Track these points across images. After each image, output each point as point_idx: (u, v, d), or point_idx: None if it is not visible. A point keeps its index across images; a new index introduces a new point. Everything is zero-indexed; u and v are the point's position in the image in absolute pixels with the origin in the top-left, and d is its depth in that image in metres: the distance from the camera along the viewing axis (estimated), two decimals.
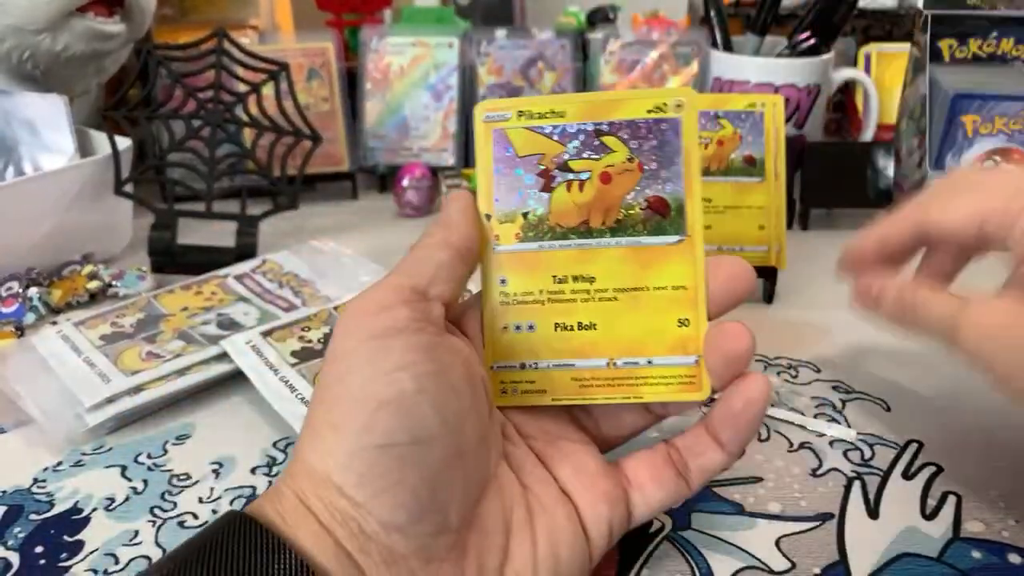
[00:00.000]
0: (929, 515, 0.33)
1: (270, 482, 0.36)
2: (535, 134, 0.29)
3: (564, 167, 0.29)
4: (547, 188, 0.29)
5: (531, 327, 0.29)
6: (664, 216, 0.28)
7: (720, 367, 0.28)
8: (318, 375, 0.25)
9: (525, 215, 0.29)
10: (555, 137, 0.29)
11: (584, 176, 0.29)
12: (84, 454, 0.38)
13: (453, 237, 0.28)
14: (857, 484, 0.35)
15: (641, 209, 0.28)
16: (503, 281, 0.29)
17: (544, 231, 0.29)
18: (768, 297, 0.52)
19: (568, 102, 0.29)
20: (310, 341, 0.43)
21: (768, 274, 0.51)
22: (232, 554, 0.22)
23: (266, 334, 0.44)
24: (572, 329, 0.29)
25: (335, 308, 0.47)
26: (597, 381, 0.29)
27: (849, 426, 0.39)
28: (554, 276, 0.29)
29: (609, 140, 0.28)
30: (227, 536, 0.23)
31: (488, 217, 0.29)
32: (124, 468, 0.37)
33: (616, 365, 0.29)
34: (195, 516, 0.34)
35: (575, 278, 0.29)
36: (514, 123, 0.29)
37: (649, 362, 0.28)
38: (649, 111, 0.28)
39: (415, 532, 0.23)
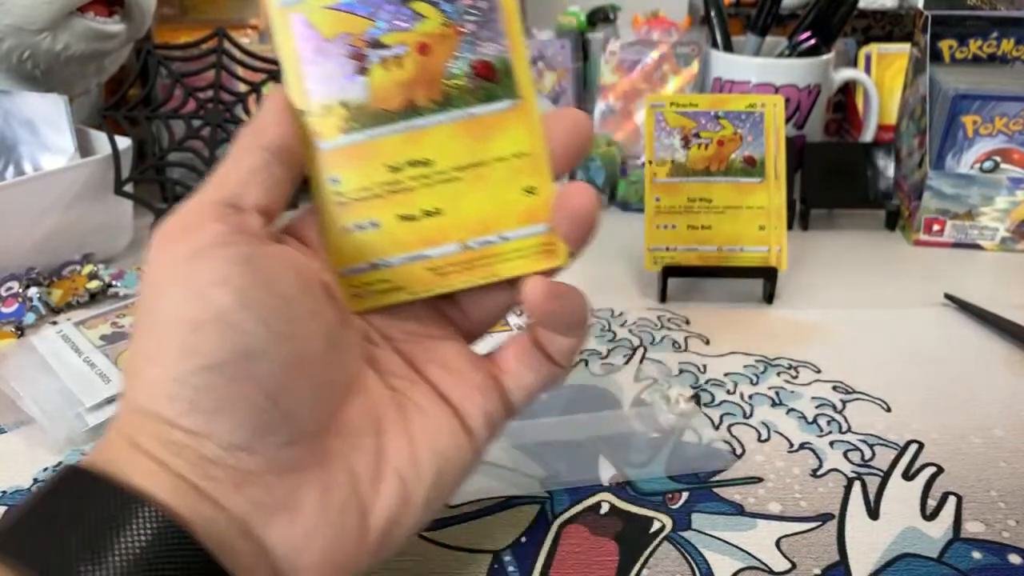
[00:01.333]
0: (929, 515, 0.33)
1: None
2: (339, 12, 0.26)
3: (376, 44, 0.26)
4: (362, 71, 0.26)
5: (374, 224, 0.27)
6: (492, 81, 0.26)
7: (568, 228, 0.26)
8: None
9: (344, 104, 0.26)
10: (360, 12, 0.26)
11: (400, 51, 0.26)
12: (84, 454, 0.38)
13: (264, 139, 0.25)
14: (857, 484, 0.35)
15: (466, 77, 0.26)
16: (334, 180, 0.27)
17: (368, 118, 0.26)
18: (768, 297, 0.52)
19: None
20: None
21: (768, 274, 0.51)
22: (52, 505, 0.21)
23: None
24: (417, 218, 0.27)
25: None
26: (453, 267, 0.27)
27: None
28: (388, 165, 0.27)
29: (419, 6, 0.26)
30: (54, 489, 0.21)
31: (303, 113, 0.26)
32: None
33: (469, 247, 0.27)
34: None
35: (411, 163, 0.27)
36: (312, 3, 0.26)
37: (502, 237, 0.27)
38: None
39: (263, 447, 0.22)
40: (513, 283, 0.28)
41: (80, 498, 0.21)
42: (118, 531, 0.20)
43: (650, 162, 0.49)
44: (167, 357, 0.22)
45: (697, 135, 0.49)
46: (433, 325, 0.29)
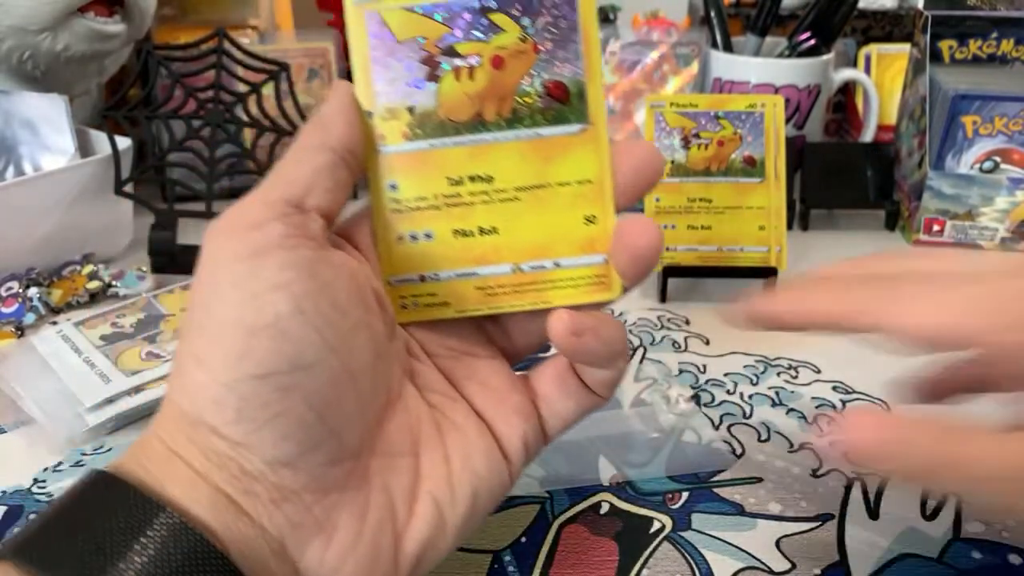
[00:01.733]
0: (929, 516, 0.33)
1: None
2: (415, 14, 0.25)
3: (450, 51, 0.25)
4: (433, 77, 0.25)
5: (428, 235, 0.26)
6: (564, 103, 0.26)
7: (626, 264, 0.26)
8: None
9: (411, 110, 0.26)
10: (437, 17, 0.25)
11: (473, 61, 0.25)
12: (84, 454, 0.38)
13: (331, 138, 0.24)
14: (857, 485, 0.35)
15: (538, 96, 0.26)
16: (393, 186, 0.26)
17: (433, 127, 0.26)
18: None
19: None
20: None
21: (768, 274, 0.51)
22: (86, 514, 0.20)
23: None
24: (472, 235, 0.26)
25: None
26: (503, 289, 0.27)
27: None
28: (449, 178, 0.26)
29: (498, 18, 0.25)
30: (83, 497, 0.21)
31: (370, 115, 0.26)
32: None
33: (522, 270, 0.26)
34: None
35: (472, 178, 0.26)
36: (389, 3, 0.25)
37: (556, 264, 0.26)
38: None
39: (306, 464, 0.22)
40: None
41: (108, 508, 0.20)
42: (147, 546, 0.19)
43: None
44: (218, 361, 0.21)
45: (697, 135, 0.49)
46: (475, 343, 0.28)
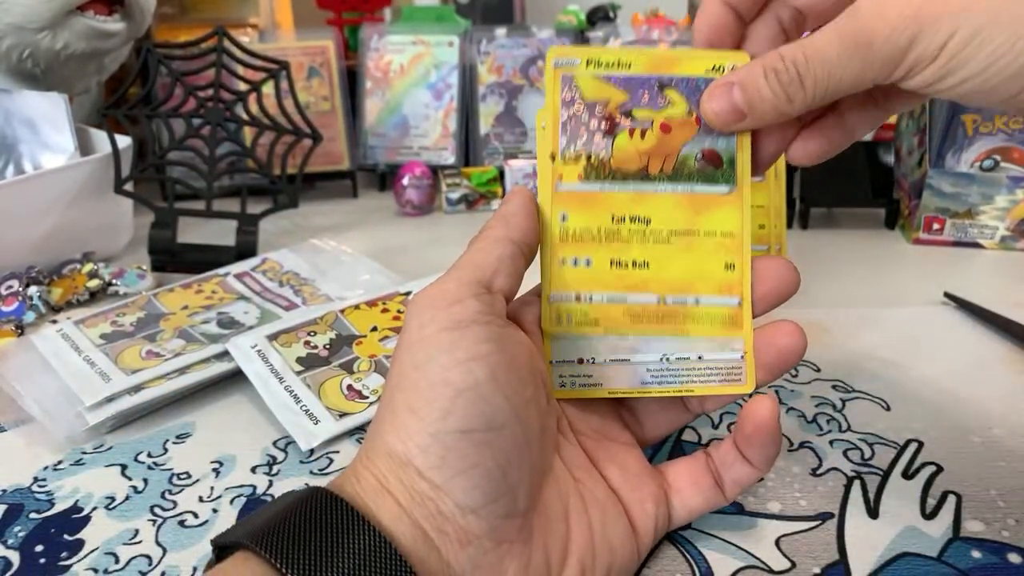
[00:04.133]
0: (929, 515, 0.33)
1: (271, 481, 0.36)
2: (602, 82, 0.31)
3: (628, 114, 0.31)
4: (611, 133, 0.31)
5: (588, 262, 0.30)
6: (717, 167, 0.31)
7: (772, 360, 0.30)
8: (392, 361, 0.27)
9: (588, 157, 0.30)
10: (620, 86, 0.30)
11: (646, 125, 0.30)
12: (84, 453, 0.38)
13: (514, 233, 0.29)
14: (857, 483, 0.35)
15: (696, 160, 0.30)
16: (564, 217, 0.30)
17: (605, 173, 0.30)
18: None
19: (634, 55, 0.30)
20: (315, 347, 0.43)
21: None
22: (316, 526, 0.23)
23: (271, 337, 0.43)
24: (627, 267, 0.30)
25: (341, 311, 0.46)
26: (647, 317, 0.30)
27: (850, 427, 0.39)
28: (612, 215, 0.30)
29: (671, 93, 0.30)
30: (311, 509, 0.23)
31: (553, 157, 0.31)
32: (124, 467, 0.37)
33: (666, 302, 0.30)
34: (195, 515, 0.34)
35: (632, 219, 0.30)
36: (582, 70, 0.30)
37: (696, 301, 0.30)
38: (708, 70, 0.30)
39: (488, 513, 0.24)
40: (687, 405, 0.32)
41: (335, 526, 0.23)
42: (363, 565, 0.22)
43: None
44: (428, 414, 0.24)
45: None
46: (614, 427, 0.32)
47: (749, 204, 0.30)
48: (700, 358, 0.30)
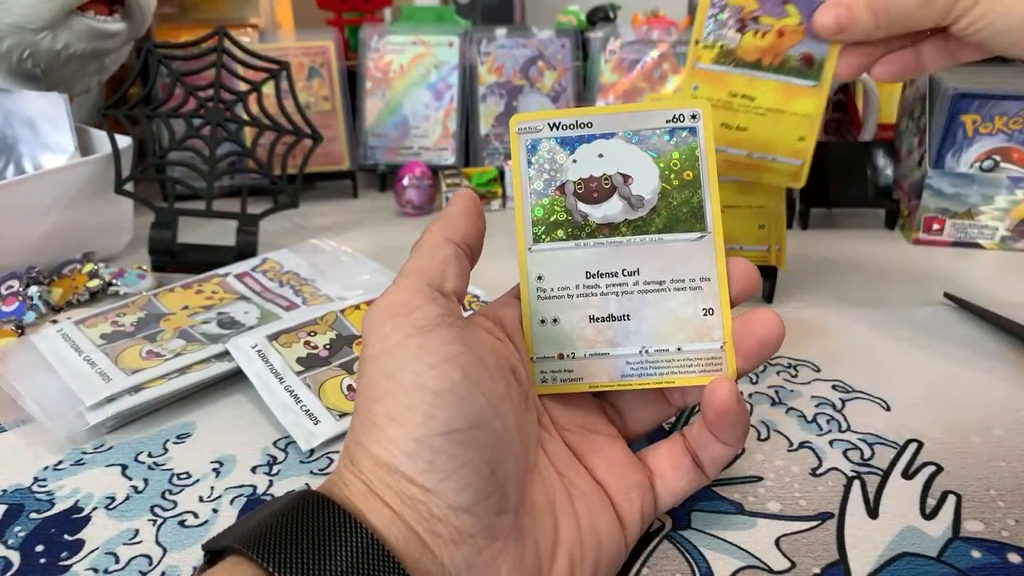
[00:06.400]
0: (929, 515, 0.33)
1: (271, 481, 0.36)
2: None
3: (755, 19, 0.43)
4: (741, 30, 0.43)
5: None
6: (810, 67, 0.42)
7: (752, 348, 0.30)
8: (359, 376, 0.27)
9: (721, 46, 0.43)
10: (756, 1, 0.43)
11: (767, 28, 0.42)
12: (85, 453, 0.38)
13: (454, 233, 0.29)
14: (857, 483, 0.35)
15: (796, 60, 0.42)
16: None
17: (731, 59, 0.44)
18: (768, 296, 0.52)
19: None
20: (315, 347, 0.43)
21: (768, 274, 0.51)
22: (308, 529, 0.23)
23: (272, 337, 0.43)
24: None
25: (342, 311, 0.46)
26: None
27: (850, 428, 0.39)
28: (730, 91, 0.44)
29: (790, 8, 0.42)
30: (302, 512, 0.24)
31: (696, 42, 0.44)
32: (124, 467, 0.37)
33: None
34: (195, 515, 0.34)
35: (743, 96, 0.44)
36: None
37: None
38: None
39: (481, 511, 0.25)
40: (668, 398, 0.33)
41: (327, 528, 0.23)
42: (358, 567, 0.22)
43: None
44: (411, 420, 0.24)
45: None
46: (599, 422, 0.32)
47: (722, 251, 0.31)
48: (679, 349, 0.31)
